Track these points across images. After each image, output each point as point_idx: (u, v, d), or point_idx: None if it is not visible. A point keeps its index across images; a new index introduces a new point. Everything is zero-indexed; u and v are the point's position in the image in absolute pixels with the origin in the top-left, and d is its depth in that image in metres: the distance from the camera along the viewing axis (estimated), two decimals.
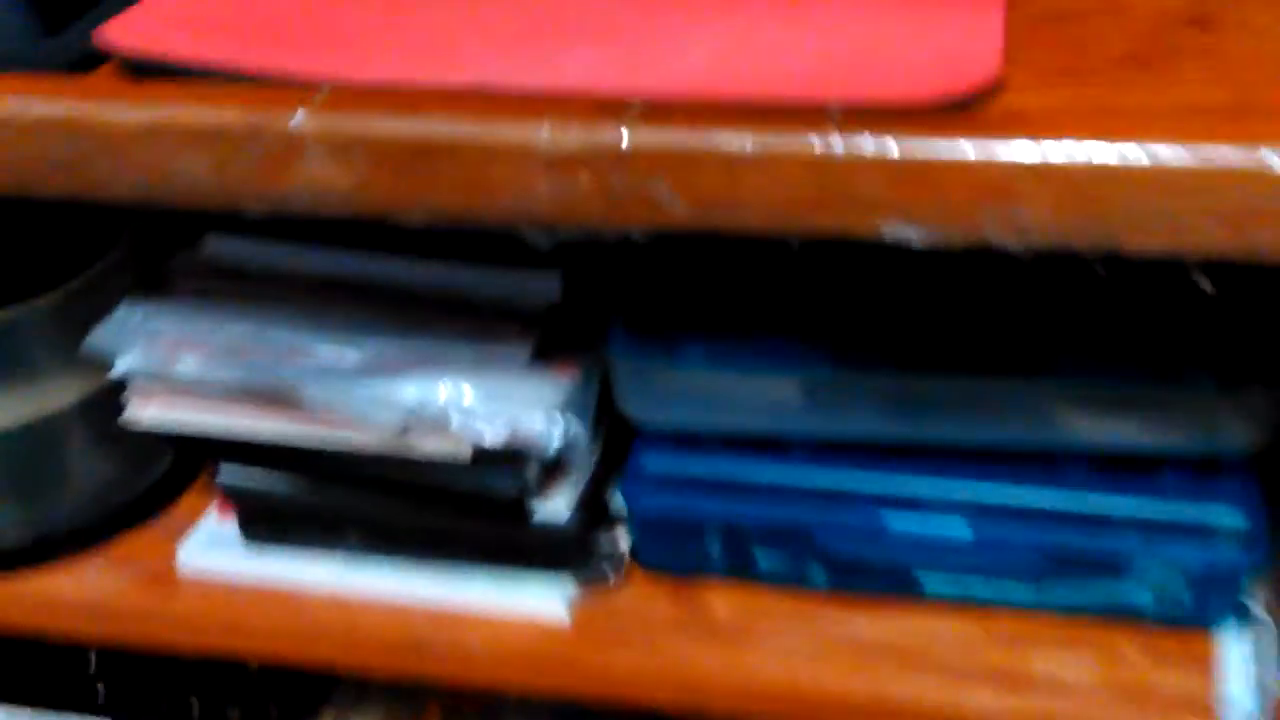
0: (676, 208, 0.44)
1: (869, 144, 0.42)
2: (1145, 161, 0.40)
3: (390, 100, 0.45)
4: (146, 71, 0.48)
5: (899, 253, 0.46)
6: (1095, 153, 0.41)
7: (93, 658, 0.72)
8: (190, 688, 0.72)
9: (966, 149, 0.42)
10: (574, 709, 0.79)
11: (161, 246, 0.62)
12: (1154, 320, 0.53)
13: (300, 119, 0.46)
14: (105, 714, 0.73)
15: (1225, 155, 0.40)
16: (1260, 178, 0.40)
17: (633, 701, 0.61)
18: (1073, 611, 0.58)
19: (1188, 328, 0.52)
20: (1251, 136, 0.40)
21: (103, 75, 0.49)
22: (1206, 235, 0.41)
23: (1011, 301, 0.54)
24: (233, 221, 0.60)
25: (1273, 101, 0.42)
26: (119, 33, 0.49)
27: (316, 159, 0.46)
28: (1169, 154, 0.40)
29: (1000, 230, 0.42)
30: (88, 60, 0.49)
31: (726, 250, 0.55)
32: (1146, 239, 0.41)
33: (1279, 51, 0.46)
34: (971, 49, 0.45)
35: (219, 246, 0.60)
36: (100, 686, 0.72)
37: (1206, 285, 0.43)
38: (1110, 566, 0.56)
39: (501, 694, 0.75)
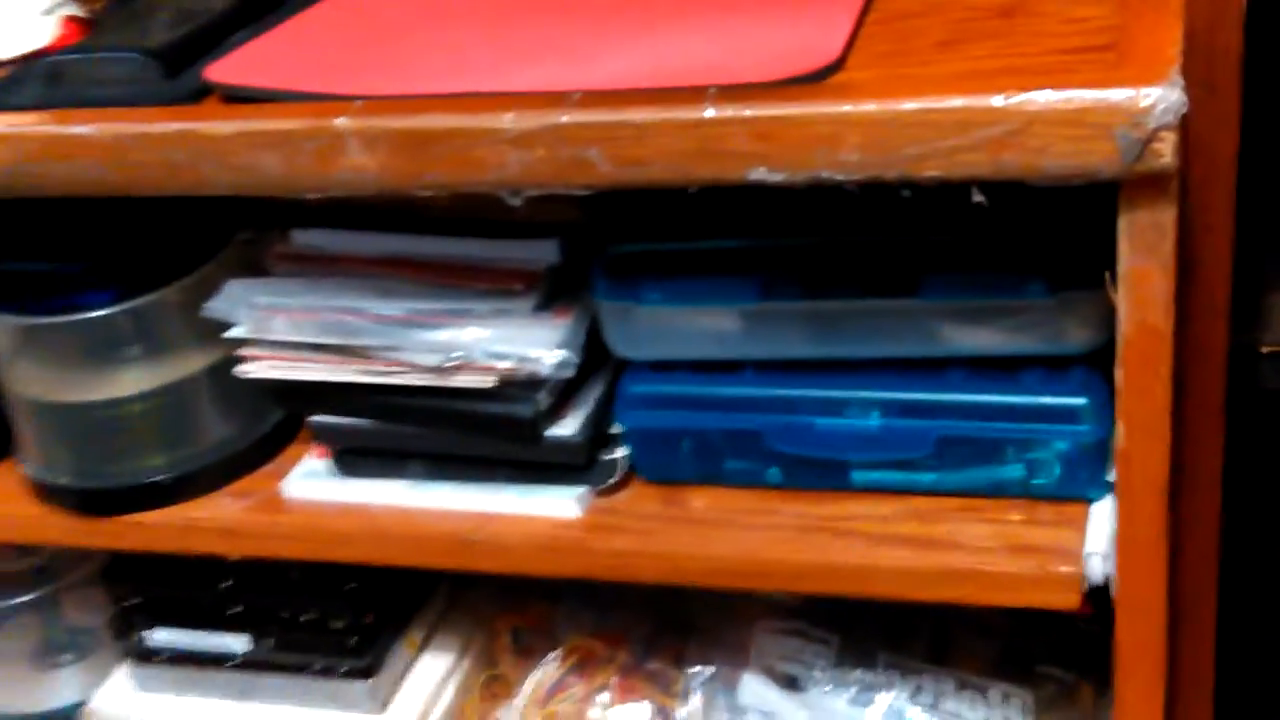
0: (605, 168, 0.60)
1: (737, 111, 0.58)
2: (927, 109, 0.56)
3: (405, 105, 0.63)
4: (236, 98, 0.66)
5: (806, 201, 0.62)
6: (893, 107, 0.56)
7: (224, 580, 0.89)
8: (301, 601, 0.89)
9: (804, 110, 0.57)
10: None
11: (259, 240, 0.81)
12: (999, 243, 0.67)
13: (343, 122, 0.63)
14: (235, 628, 0.90)
15: (983, 103, 0.55)
16: (1004, 114, 0.54)
17: (631, 578, 0.76)
18: (969, 492, 0.72)
19: (1027, 248, 0.67)
20: (1003, 89, 0.55)
21: (207, 103, 0.67)
22: (970, 163, 0.56)
23: (891, 235, 0.69)
24: (308, 217, 0.77)
25: (1033, 65, 0.57)
26: (217, 72, 0.67)
27: (354, 151, 0.63)
28: (942, 104, 0.56)
29: (831, 169, 0.58)
30: (196, 94, 0.67)
31: (680, 206, 0.71)
32: (930, 168, 0.56)
33: (1055, 30, 0.61)
34: (821, 42, 0.61)
35: (301, 236, 0.78)
36: (230, 604, 0.90)
37: (981, 198, 0.57)
38: (993, 450, 0.70)
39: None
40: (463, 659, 0.95)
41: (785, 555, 0.73)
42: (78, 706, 1.00)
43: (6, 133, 0.69)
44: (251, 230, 0.82)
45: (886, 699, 0.86)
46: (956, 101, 0.55)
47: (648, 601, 0.94)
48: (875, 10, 0.66)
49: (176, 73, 0.68)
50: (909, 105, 0.56)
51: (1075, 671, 0.86)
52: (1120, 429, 0.62)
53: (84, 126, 0.68)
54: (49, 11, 0.77)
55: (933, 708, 0.85)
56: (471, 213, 0.74)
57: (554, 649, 0.93)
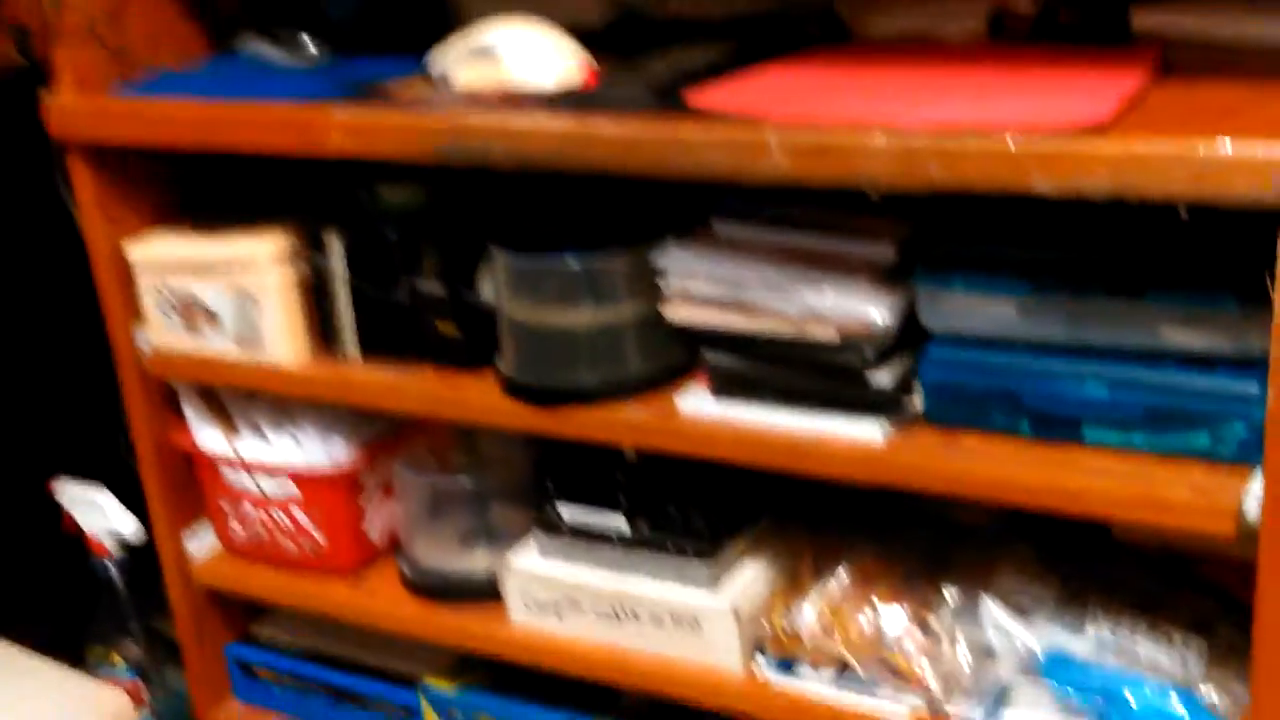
0: (938, 177, 0.90)
1: (1030, 144, 0.87)
2: (1155, 152, 0.83)
3: (810, 125, 0.94)
4: (704, 116, 0.99)
5: (1075, 213, 0.89)
6: (1131, 150, 0.84)
7: (619, 472, 1.21)
8: (672, 495, 1.19)
9: (1071, 146, 0.86)
10: None
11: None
12: (1203, 262, 0.92)
13: (769, 134, 0.95)
14: (620, 510, 1.21)
15: (1192, 149, 0.82)
16: (1211, 160, 0.82)
17: (916, 487, 1.03)
18: (1168, 452, 0.96)
19: (1223, 269, 0.92)
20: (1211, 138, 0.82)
21: (685, 119, 1.01)
22: (1178, 195, 0.83)
23: (1126, 251, 0.95)
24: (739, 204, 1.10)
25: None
26: (692, 99, 1.01)
27: (775, 153, 0.95)
28: (1161, 148, 0.83)
29: (1087, 191, 0.86)
30: (679, 113, 1.01)
31: (979, 218, 0.99)
32: (1151, 194, 0.83)
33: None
34: (1098, 105, 0.89)
35: (720, 225, 1.11)
36: (620, 492, 1.21)
37: (1186, 216, 0.84)
38: (1188, 422, 0.95)
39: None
40: (774, 565, 1.23)
41: (1026, 477, 0.99)
42: (487, 574, 1.32)
43: (553, 128, 1.05)
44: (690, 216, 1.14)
45: (1093, 629, 1.09)
46: (1173, 146, 0.82)
47: (916, 541, 1.20)
48: (1157, 86, 0.94)
49: (667, 99, 1.02)
50: (1143, 148, 0.83)
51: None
52: (1271, 396, 0.86)
53: (602, 127, 1.02)
54: (577, 60, 1.13)
55: (1128, 639, 1.08)
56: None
57: (843, 566, 1.20)
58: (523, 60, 1.13)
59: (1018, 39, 1.09)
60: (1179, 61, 1.00)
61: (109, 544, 1.55)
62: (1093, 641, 1.09)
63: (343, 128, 1.13)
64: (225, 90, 1.23)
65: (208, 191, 1.39)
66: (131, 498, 1.50)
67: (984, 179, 0.89)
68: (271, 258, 1.28)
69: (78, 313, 1.46)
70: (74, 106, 1.28)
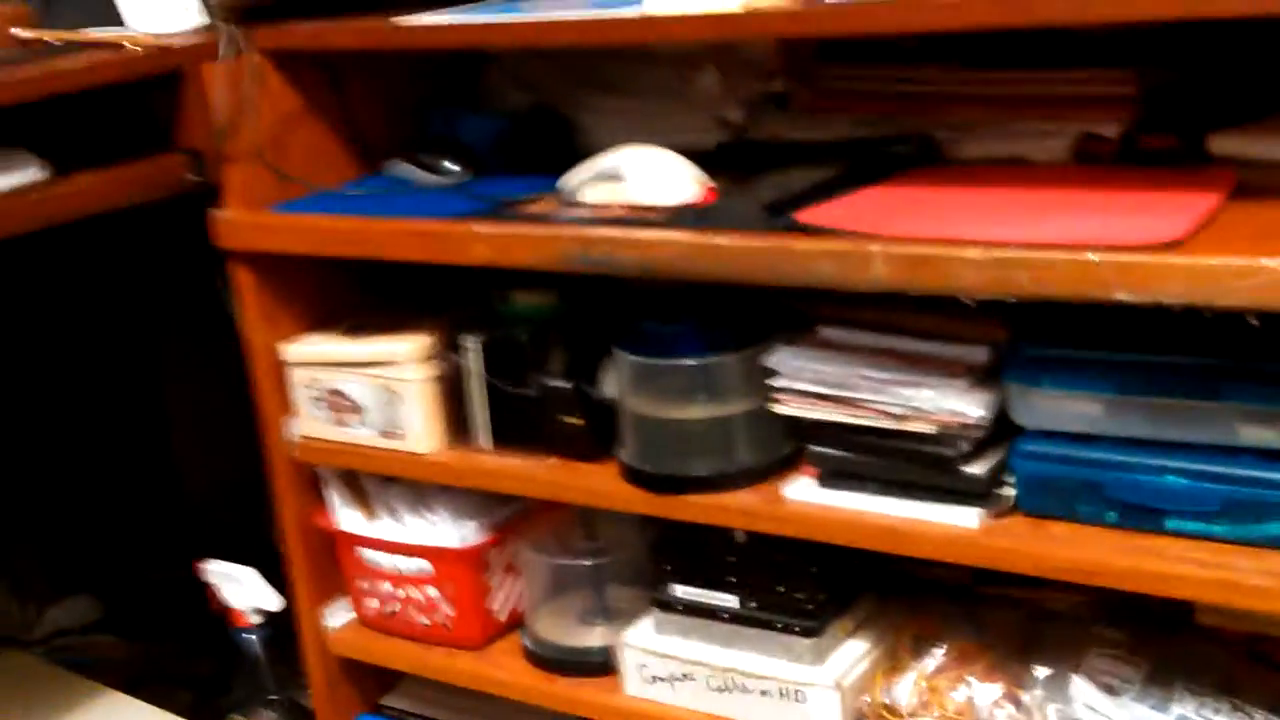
0: (1026, 286, 0.99)
1: (1107, 257, 0.96)
2: (1219, 264, 0.92)
3: (908, 240, 1.04)
4: (812, 231, 1.09)
5: (1155, 318, 0.97)
6: (1199, 263, 0.92)
7: (730, 555, 1.29)
8: (779, 576, 1.27)
9: (1147, 260, 0.94)
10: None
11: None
12: (1269, 362, 1.00)
13: (872, 247, 1.05)
14: (731, 590, 1.30)
15: (1252, 263, 0.90)
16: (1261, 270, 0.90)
17: (1007, 568, 1.10)
18: (1246, 541, 1.03)
19: None
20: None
21: (795, 234, 1.11)
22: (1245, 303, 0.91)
23: (1201, 355, 1.03)
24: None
25: None
26: (802, 216, 1.11)
27: (876, 265, 1.05)
28: (1225, 262, 0.91)
29: (1167, 296, 0.94)
30: (789, 227, 1.11)
31: (1067, 323, 1.08)
32: (1219, 304, 0.92)
33: None
34: (1175, 224, 0.98)
35: (825, 329, 1.20)
36: (730, 573, 1.30)
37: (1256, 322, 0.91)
38: (1264, 511, 1.02)
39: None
40: (876, 645, 1.30)
41: (1112, 562, 1.06)
42: (604, 649, 1.41)
43: (674, 241, 1.15)
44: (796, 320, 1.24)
45: (1177, 708, 1.15)
46: (1239, 261, 0.91)
47: (1009, 623, 1.27)
48: (1231, 206, 1.02)
49: (778, 215, 1.13)
50: (1212, 263, 0.92)
51: None
52: None
53: (720, 240, 1.13)
54: (699, 181, 1.24)
55: (1211, 718, 1.13)
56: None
57: (940, 646, 1.27)
58: (645, 180, 1.24)
59: (1102, 162, 1.18)
60: (1253, 183, 1.08)
61: (251, 618, 1.66)
62: (1177, 718, 1.15)
63: (484, 240, 1.25)
64: (377, 207, 1.36)
65: (355, 296, 1.52)
66: (274, 575, 1.61)
67: (1069, 289, 0.98)
68: (413, 356, 1.39)
69: (231, 406, 1.59)
70: (239, 220, 1.41)
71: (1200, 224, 0.99)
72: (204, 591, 1.68)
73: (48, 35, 1.40)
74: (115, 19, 1.42)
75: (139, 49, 1.35)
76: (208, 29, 1.41)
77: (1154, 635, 1.21)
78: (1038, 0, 0.98)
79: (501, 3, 1.34)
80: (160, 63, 1.35)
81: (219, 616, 1.69)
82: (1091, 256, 0.96)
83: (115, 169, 1.35)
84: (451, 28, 1.29)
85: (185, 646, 1.89)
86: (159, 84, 1.36)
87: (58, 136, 1.33)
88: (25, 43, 1.39)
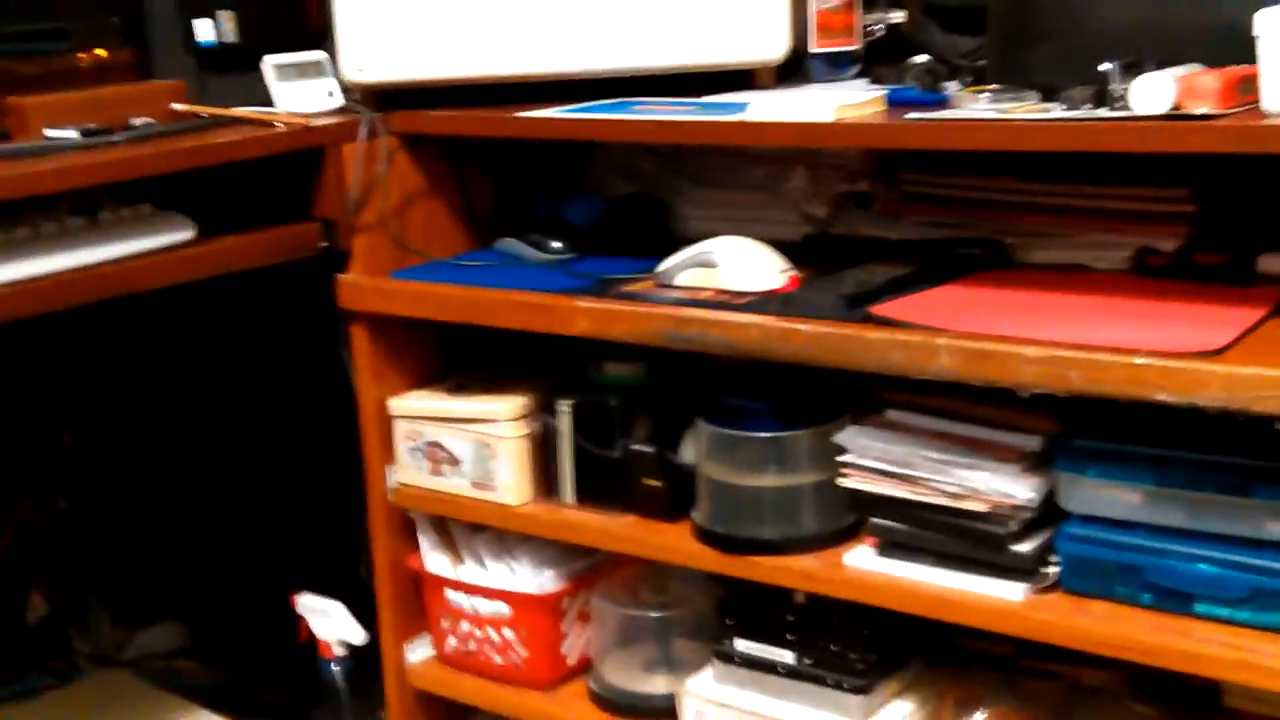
0: (1078, 384, 1.09)
1: (1153, 361, 1.05)
2: (1248, 374, 1.01)
3: (973, 337, 1.14)
4: (884, 323, 1.20)
5: (1195, 420, 1.06)
6: (1232, 371, 1.02)
7: (789, 614, 1.38)
8: (834, 635, 1.36)
9: (1187, 366, 1.04)
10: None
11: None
12: None
13: (940, 340, 1.15)
14: (788, 646, 1.38)
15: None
16: None
17: (1049, 640, 1.19)
18: (1273, 628, 1.11)
19: None
20: None
21: (868, 325, 1.21)
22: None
23: (1232, 454, 1.12)
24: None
25: None
26: (877, 310, 1.21)
27: (944, 358, 1.15)
28: (1250, 372, 1.01)
29: (1206, 400, 1.03)
30: (863, 318, 1.21)
31: (1114, 420, 1.17)
32: (1258, 410, 1.01)
33: None
34: (1217, 335, 1.07)
35: (891, 412, 1.30)
36: (789, 630, 1.38)
37: None
38: None
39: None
40: (921, 707, 1.39)
41: (1144, 640, 1.14)
42: (666, 696, 1.50)
43: (758, 324, 1.26)
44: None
45: None
46: (1272, 372, 1.00)
47: (1047, 694, 1.35)
48: (1271, 324, 1.12)
49: (855, 306, 1.23)
50: (1248, 372, 1.01)
51: None
52: None
53: (801, 326, 1.23)
54: (784, 271, 1.35)
55: None
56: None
57: (981, 712, 1.35)
58: (736, 267, 1.35)
59: (1157, 274, 1.28)
60: None
61: (337, 650, 1.76)
62: None
63: (586, 314, 1.36)
64: (487, 279, 1.48)
65: (458, 358, 1.63)
66: (362, 611, 1.71)
67: (1116, 388, 1.08)
68: (510, 415, 1.50)
69: (333, 453, 1.70)
70: (362, 284, 1.54)
71: (1241, 336, 1.08)
72: (291, 623, 1.78)
73: (202, 110, 1.53)
74: (264, 97, 1.55)
75: (283, 127, 1.48)
76: (347, 110, 1.54)
77: (1184, 714, 1.29)
78: (1104, 130, 1.09)
79: (613, 100, 1.46)
80: (304, 140, 1.47)
81: (306, 647, 1.79)
82: (1138, 360, 1.06)
83: (256, 233, 1.47)
84: (574, 121, 1.40)
85: (266, 676, 1.99)
86: (301, 158, 1.48)
87: (207, 200, 1.46)
88: (181, 115, 1.52)
